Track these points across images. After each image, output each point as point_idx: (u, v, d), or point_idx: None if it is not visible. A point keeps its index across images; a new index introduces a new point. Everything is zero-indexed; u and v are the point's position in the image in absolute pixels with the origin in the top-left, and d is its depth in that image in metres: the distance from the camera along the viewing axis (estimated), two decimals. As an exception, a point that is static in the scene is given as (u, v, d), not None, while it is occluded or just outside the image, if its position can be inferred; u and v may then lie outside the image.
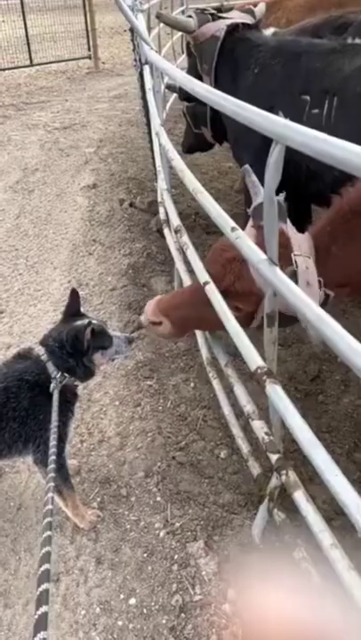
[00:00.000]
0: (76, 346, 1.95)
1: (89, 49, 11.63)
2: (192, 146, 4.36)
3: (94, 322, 2.01)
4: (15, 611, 1.90)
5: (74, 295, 2.09)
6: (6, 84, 10.27)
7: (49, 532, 1.10)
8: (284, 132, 1.15)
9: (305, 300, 1.26)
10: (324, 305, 1.75)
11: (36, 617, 0.87)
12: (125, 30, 13.85)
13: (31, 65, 11.05)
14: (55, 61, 11.48)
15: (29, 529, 2.18)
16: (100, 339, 2.01)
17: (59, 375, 1.94)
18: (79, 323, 2.00)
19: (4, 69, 10.72)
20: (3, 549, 2.10)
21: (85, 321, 1.99)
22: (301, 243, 1.74)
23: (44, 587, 0.93)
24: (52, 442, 1.63)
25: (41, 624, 0.86)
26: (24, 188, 5.54)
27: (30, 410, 1.92)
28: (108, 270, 3.98)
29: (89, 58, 11.67)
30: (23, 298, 3.72)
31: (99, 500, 2.26)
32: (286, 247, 1.70)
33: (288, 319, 1.72)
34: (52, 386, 1.91)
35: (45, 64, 11.35)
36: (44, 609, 0.88)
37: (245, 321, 1.90)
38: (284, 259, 1.56)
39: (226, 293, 1.85)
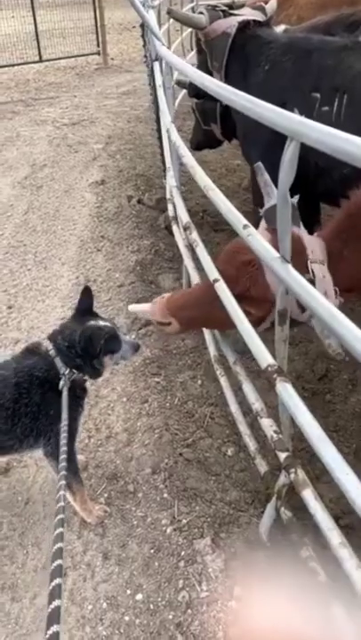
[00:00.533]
0: (88, 349, 1.93)
1: (98, 45, 11.61)
2: (201, 142, 4.34)
3: (108, 325, 2.01)
4: (23, 604, 1.91)
5: (86, 292, 2.07)
6: (15, 80, 10.28)
7: (61, 529, 1.10)
8: (300, 128, 1.15)
9: (318, 298, 1.26)
10: None
11: (49, 610, 0.88)
12: (134, 26, 13.85)
13: (40, 61, 11.04)
14: (64, 57, 11.46)
15: (37, 523, 2.19)
16: (111, 343, 2.00)
17: (67, 372, 1.94)
18: (93, 324, 1.98)
19: (13, 65, 10.72)
20: (10, 543, 2.11)
21: (101, 325, 1.98)
22: (315, 248, 1.72)
23: (56, 582, 0.93)
24: (63, 440, 1.62)
25: (54, 618, 0.86)
26: (32, 184, 5.55)
27: (42, 405, 1.92)
28: (115, 267, 3.98)
29: (98, 54, 11.65)
30: (31, 293, 3.73)
31: (106, 495, 2.27)
32: (302, 254, 1.68)
33: (292, 321, 1.71)
34: (60, 383, 1.92)
35: (54, 60, 11.34)
36: (56, 603, 0.89)
37: (254, 324, 1.89)
38: (300, 266, 1.54)
39: (239, 298, 1.82)
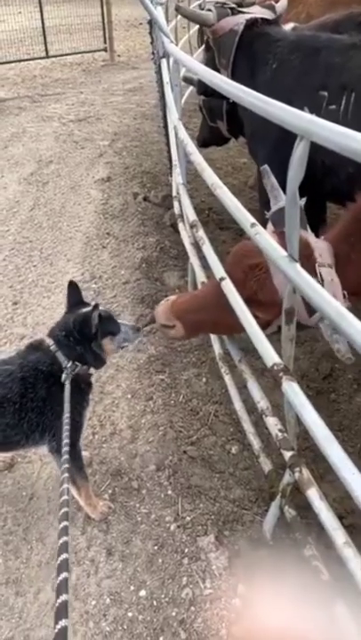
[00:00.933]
0: (84, 331, 1.96)
1: (105, 41, 11.57)
2: (207, 140, 4.34)
3: (101, 307, 2.03)
4: (26, 599, 1.92)
5: (72, 287, 2.12)
6: (22, 76, 10.26)
7: (66, 523, 1.11)
8: (310, 127, 1.15)
9: (325, 297, 1.26)
10: None
11: (57, 605, 0.88)
12: (141, 23, 13.78)
13: (47, 57, 11.02)
14: (71, 53, 11.43)
15: (41, 519, 2.20)
16: (108, 324, 2.04)
17: (69, 364, 1.96)
18: (85, 309, 2.02)
19: (19, 61, 10.70)
20: (15, 538, 2.12)
21: (91, 307, 2.01)
22: (322, 251, 1.71)
23: (63, 575, 0.94)
24: (65, 432, 1.62)
25: (62, 612, 0.87)
26: (38, 180, 5.55)
27: (47, 400, 1.93)
28: (121, 264, 3.98)
29: (105, 50, 11.62)
30: (37, 289, 3.74)
31: (110, 491, 2.28)
32: (310, 257, 1.68)
33: (299, 325, 1.70)
34: (63, 376, 1.93)
35: (61, 56, 11.32)
36: (64, 597, 0.89)
37: (261, 327, 1.88)
38: (308, 269, 1.54)
39: (246, 301, 1.81)
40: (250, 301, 1.81)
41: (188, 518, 2.14)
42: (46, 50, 10.99)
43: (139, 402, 2.74)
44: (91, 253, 4.17)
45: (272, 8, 3.03)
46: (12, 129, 7.16)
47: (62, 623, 0.84)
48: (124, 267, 3.93)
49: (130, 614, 1.85)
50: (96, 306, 1.95)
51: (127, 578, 1.96)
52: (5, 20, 11.37)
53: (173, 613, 1.83)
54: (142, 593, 1.90)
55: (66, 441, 1.58)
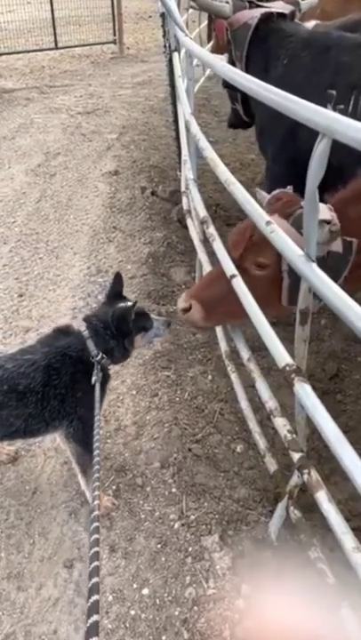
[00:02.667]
0: (122, 326, 1.99)
1: (114, 34, 11.48)
2: (233, 122, 4.28)
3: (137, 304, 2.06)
4: (28, 594, 1.91)
5: (118, 279, 2.15)
6: (30, 67, 10.19)
7: (97, 549, 1.11)
8: (333, 124, 1.12)
9: (343, 297, 1.24)
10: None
11: (88, 625, 0.92)
12: (150, 16, 13.72)
13: (56, 48, 10.94)
14: (80, 45, 11.35)
15: (44, 513, 2.18)
16: (142, 320, 2.08)
17: (98, 357, 1.96)
18: (124, 304, 2.05)
19: (28, 51, 10.63)
20: (17, 532, 2.11)
21: (130, 304, 2.04)
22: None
23: (94, 598, 0.95)
24: (96, 428, 1.58)
25: (92, 631, 0.89)
26: (45, 172, 5.51)
27: (70, 387, 1.93)
28: (127, 258, 3.96)
29: (114, 43, 11.53)
30: (42, 282, 3.72)
31: (114, 488, 2.26)
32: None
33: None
34: (93, 374, 1.92)
35: (70, 47, 11.24)
36: (95, 618, 0.91)
37: (274, 300, 1.95)
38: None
39: (246, 250, 1.93)
40: (247, 248, 1.95)
41: (193, 517, 2.12)
42: (55, 41, 10.88)
43: (144, 398, 2.72)
44: (97, 247, 4.14)
45: (296, 4, 3.00)
46: (20, 120, 7.12)
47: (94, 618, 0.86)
48: (131, 261, 3.91)
49: (132, 612, 1.83)
50: (135, 303, 1.99)
51: (130, 575, 1.94)
52: (14, 9, 11.28)
53: (176, 612, 1.82)
54: (145, 591, 1.89)
55: (97, 437, 1.57)
